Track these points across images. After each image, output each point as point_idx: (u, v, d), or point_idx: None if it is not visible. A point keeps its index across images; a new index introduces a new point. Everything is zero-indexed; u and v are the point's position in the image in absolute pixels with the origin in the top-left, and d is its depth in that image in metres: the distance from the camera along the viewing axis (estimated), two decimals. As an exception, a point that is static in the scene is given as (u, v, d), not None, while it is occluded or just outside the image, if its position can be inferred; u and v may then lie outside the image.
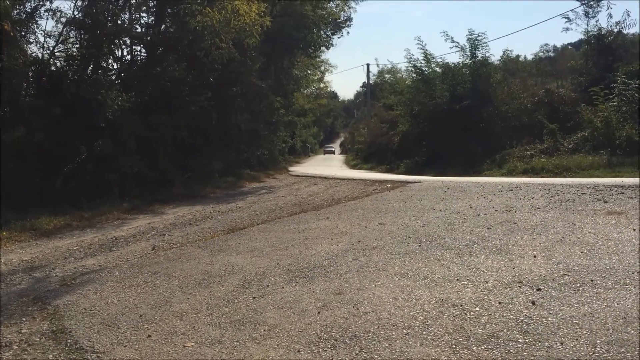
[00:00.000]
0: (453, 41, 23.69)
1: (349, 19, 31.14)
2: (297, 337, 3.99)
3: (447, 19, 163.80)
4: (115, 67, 17.00)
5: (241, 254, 6.90)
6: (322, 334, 3.99)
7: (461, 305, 4.29)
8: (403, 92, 27.67)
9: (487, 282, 4.81)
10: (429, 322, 4.03)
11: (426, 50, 24.88)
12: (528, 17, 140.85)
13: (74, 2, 14.82)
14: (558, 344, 3.48)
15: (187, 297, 5.20)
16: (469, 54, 23.10)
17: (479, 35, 22.90)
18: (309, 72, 39.13)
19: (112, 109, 13.48)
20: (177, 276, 6.01)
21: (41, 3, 13.98)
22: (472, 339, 3.67)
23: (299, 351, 3.74)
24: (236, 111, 19.61)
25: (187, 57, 17.21)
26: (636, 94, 16.07)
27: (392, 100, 33.68)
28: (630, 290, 4.29)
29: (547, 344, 3.49)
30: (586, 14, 23.61)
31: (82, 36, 15.10)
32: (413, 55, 25.68)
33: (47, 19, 14.89)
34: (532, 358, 3.34)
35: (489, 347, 3.53)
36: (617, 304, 4.04)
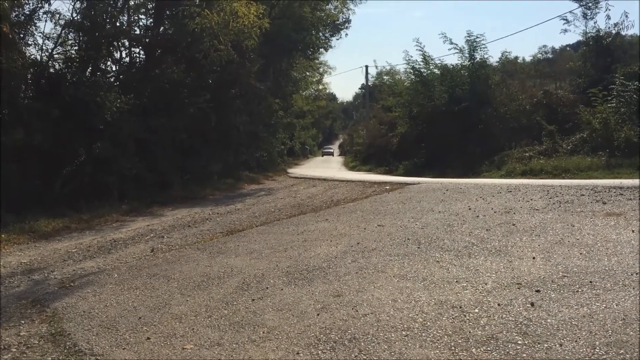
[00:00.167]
0: (451, 43, 23.75)
1: (348, 20, 31.23)
2: (296, 339, 3.99)
3: (446, 21, 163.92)
4: (113, 69, 17.03)
5: (240, 256, 6.90)
6: (321, 335, 3.98)
7: (460, 307, 4.29)
8: (402, 94, 27.68)
9: (486, 284, 4.81)
10: (428, 323, 4.03)
11: (425, 51, 24.93)
12: (526, 18, 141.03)
13: (73, 4, 14.85)
14: (557, 345, 3.48)
15: (186, 299, 5.20)
16: (467, 55, 23.14)
17: (477, 37, 22.95)
18: (308, 74, 39.21)
19: (111, 111, 13.49)
20: (176, 278, 6.01)
21: (40, 5, 14.01)
22: (471, 340, 3.67)
23: (298, 353, 3.74)
24: (235, 113, 19.61)
25: (186, 59, 17.23)
26: (634, 96, 16.08)
27: (390, 102, 33.70)
28: (629, 292, 4.29)
29: (546, 345, 3.50)
30: (584, 16, 23.66)
31: (81, 38, 15.11)
32: (412, 57, 25.79)
33: (46, 21, 14.89)
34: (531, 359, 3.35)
35: (488, 348, 3.53)
36: (616, 305, 4.05)
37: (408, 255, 6.06)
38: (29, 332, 4.60)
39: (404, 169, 24.14)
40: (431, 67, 24.91)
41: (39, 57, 14.30)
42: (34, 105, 12.80)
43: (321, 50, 31.24)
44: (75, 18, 14.81)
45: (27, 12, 13.85)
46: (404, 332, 3.91)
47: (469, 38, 22.96)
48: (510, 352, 3.45)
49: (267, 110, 23.85)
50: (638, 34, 28.43)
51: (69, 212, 11.42)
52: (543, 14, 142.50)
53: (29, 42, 14.24)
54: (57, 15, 14.79)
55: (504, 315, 4.04)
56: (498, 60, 29.17)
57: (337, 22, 30.31)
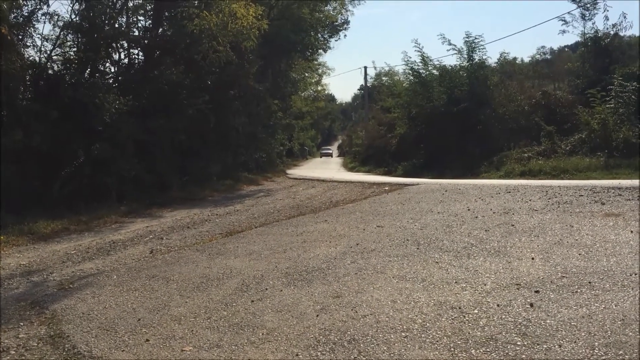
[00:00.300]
0: (450, 44, 23.75)
1: (346, 21, 31.18)
2: (296, 340, 3.99)
3: (445, 22, 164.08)
4: (112, 70, 17.03)
5: (239, 257, 6.90)
6: (321, 337, 3.99)
7: (459, 308, 4.29)
8: (400, 95, 27.68)
9: (485, 285, 4.81)
10: (428, 324, 4.03)
11: (423, 52, 24.93)
12: (524, 19, 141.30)
13: (71, 5, 14.87)
14: (556, 346, 3.49)
15: (185, 300, 5.20)
16: (466, 56, 23.14)
17: (476, 38, 22.95)
18: (307, 75, 39.19)
19: (110, 113, 13.48)
20: (175, 280, 6.00)
21: (38, 7, 14.01)
22: (470, 341, 3.67)
23: (297, 355, 3.74)
24: (234, 114, 19.60)
25: (185, 60, 17.22)
26: (633, 96, 16.10)
27: (389, 103, 33.69)
28: (628, 292, 4.30)
29: (545, 346, 3.50)
30: (583, 17, 23.69)
31: (80, 40, 15.10)
32: (410, 57, 25.51)
33: (45, 22, 14.92)
34: (530, 360, 3.35)
35: (488, 349, 3.53)
36: (615, 306, 4.05)
37: (407, 256, 6.06)
38: (28, 334, 4.59)
39: (403, 169, 24.13)
40: (430, 68, 24.93)
41: (37, 59, 14.33)
42: (32, 107, 12.79)
43: (320, 51, 31.22)
44: (74, 19, 14.82)
45: (26, 14, 13.86)
46: (403, 333, 3.91)
47: (467, 39, 22.99)
48: (510, 353, 3.45)
49: (266, 112, 23.86)
50: (636, 35, 28.47)
51: (67, 214, 11.40)
52: (541, 15, 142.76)
53: (28, 44, 14.29)
54: (56, 17, 14.83)
55: (503, 316, 4.05)
56: (496, 61, 29.23)
57: (336, 23, 30.29)
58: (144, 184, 14.41)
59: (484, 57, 23.24)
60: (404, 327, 4.03)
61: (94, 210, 11.88)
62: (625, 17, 24.02)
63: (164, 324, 4.56)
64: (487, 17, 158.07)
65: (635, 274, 4.69)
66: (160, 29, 17.86)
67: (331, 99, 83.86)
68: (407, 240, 6.91)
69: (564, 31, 26.73)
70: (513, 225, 7.12)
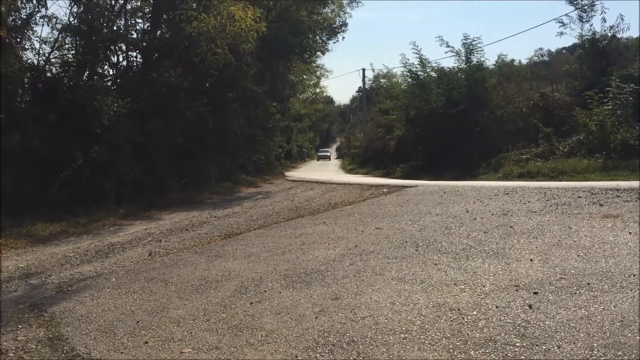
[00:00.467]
0: (448, 46, 23.75)
1: (345, 24, 31.24)
2: (295, 342, 3.99)
3: (443, 23, 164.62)
4: (111, 73, 17.03)
5: (238, 260, 6.89)
6: (320, 339, 3.98)
7: (458, 310, 4.29)
8: (399, 97, 27.68)
9: (484, 286, 4.82)
10: (427, 326, 4.03)
11: (421, 54, 24.92)
12: (522, 21, 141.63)
13: (70, 8, 14.88)
14: (555, 347, 3.49)
15: (184, 303, 5.19)
16: (464, 58, 23.15)
17: (473, 40, 22.96)
18: (305, 77, 39.22)
19: (108, 115, 13.48)
20: (174, 282, 6.00)
21: (37, 10, 14.00)
22: (469, 343, 3.67)
23: (296, 356, 3.74)
24: (232, 116, 19.62)
25: (183, 62, 17.23)
26: (630, 98, 16.13)
27: (387, 105, 33.70)
28: (627, 294, 4.30)
29: (544, 347, 3.50)
30: (580, 19, 23.67)
31: (78, 42, 15.11)
32: (408, 59, 25.53)
33: (43, 25, 14.95)
34: (529, 362, 3.35)
35: (487, 351, 3.53)
36: (614, 307, 4.06)
37: (406, 258, 6.07)
38: (27, 337, 4.59)
39: (402, 171, 24.15)
40: (428, 70, 24.94)
41: (35, 62, 14.31)
42: (30, 110, 12.79)
43: (318, 53, 31.26)
44: (72, 22, 14.82)
45: (24, 17, 13.85)
46: (402, 335, 3.91)
47: (465, 41, 23.01)
48: (509, 355, 3.45)
49: (265, 114, 23.87)
50: (634, 37, 28.45)
51: (66, 216, 11.40)
52: (539, 17, 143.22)
53: (26, 47, 14.26)
54: (54, 20, 14.84)
55: (502, 318, 4.05)
56: (494, 63, 29.24)
57: (334, 25, 30.34)
58: (143, 187, 14.40)
59: (482, 59, 23.26)
60: (403, 328, 4.03)
61: (93, 213, 11.88)
62: (622, 19, 24.05)
63: (162, 326, 4.56)
64: (485, 19, 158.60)
65: (634, 275, 4.70)
66: (159, 32, 17.87)
67: (329, 101, 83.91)
68: (406, 242, 6.91)
69: (561, 33, 26.63)
70: (512, 227, 7.12)
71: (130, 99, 14.63)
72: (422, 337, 3.85)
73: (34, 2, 13.78)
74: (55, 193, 12.53)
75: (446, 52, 23.89)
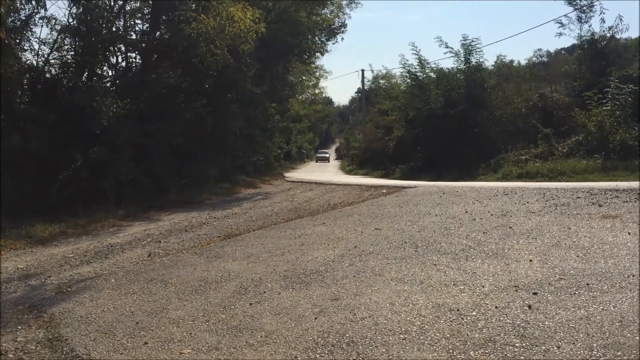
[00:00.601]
0: (447, 47, 23.77)
1: (344, 25, 31.20)
2: (294, 343, 3.99)
3: (442, 23, 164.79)
4: (110, 74, 16.99)
5: (237, 260, 6.89)
6: (319, 339, 3.99)
7: (458, 310, 4.30)
8: (398, 98, 27.71)
9: (483, 287, 4.82)
10: (426, 327, 4.03)
11: (420, 55, 24.97)
12: (521, 22, 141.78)
13: (69, 9, 14.86)
14: (555, 347, 3.49)
15: (184, 304, 5.19)
16: (463, 59, 23.18)
17: (472, 41, 23.00)
18: (304, 78, 39.25)
19: (107, 116, 13.46)
20: (173, 283, 6.00)
21: (36, 11, 13.97)
22: (469, 343, 3.68)
23: (296, 357, 3.74)
24: (231, 117, 19.61)
25: (182, 63, 17.22)
26: (629, 98, 16.16)
27: (387, 106, 33.72)
28: (626, 294, 4.31)
29: (544, 347, 3.50)
30: (579, 19, 23.71)
31: (77, 43, 15.09)
32: (407, 60, 25.55)
33: (42, 26, 14.92)
34: (529, 362, 3.35)
35: (486, 351, 3.54)
36: (613, 307, 4.06)
37: (405, 259, 6.07)
38: (26, 338, 4.58)
39: (401, 172, 24.16)
40: (427, 71, 24.96)
41: (35, 63, 14.29)
42: (30, 111, 12.78)
43: (317, 54, 31.25)
44: (71, 23, 14.80)
45: (23, 18, 13.82)
46: (401, 336, 3.91)
47: (464, 42, 23.04)
48: (508, 355, 3.45)
49: (264, 115, 23.86)
50: (633, 37, 28.50)
51: (65, 217, 11.38)
52: (538, 18, 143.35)
53: (25, 48, 14.22)
54: (53, 21, 14.79)
55: (502, 318, 4.05)
56: (493, 63, 29.24)
57: (333, 26, 30.32)
58: (142, 188, 14.39)
59: (481, 59, 23.30)
60: (403, 329, 4.03)
61: (92, 214, 11.87)
62: (621, 19, 24.15)
63: (162, 327, 4.56)
64: (484, 19, 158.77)
65: (633, 276, 4.70)
66: (158, 33, 17.85)
67: (329, 102, 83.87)
68: (405, 242, 6.91)
69: (560, 34, 26.68)
70: (511, 228, 7.13)
71: (129, 99, 14.62)
72: (421, 337, 3.85)
73: (33, 3, 13.75)
74: (54, 194, 12.51)
75: (445, 53, 23.92)
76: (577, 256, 5.48)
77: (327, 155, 66.23)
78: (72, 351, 4.19)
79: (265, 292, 5.32)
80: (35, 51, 14.47)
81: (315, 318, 4.44)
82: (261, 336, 4.17)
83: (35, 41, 14.58)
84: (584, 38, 23.60)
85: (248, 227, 9.76)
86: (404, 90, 27.03)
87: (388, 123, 31.67)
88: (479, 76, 22.86)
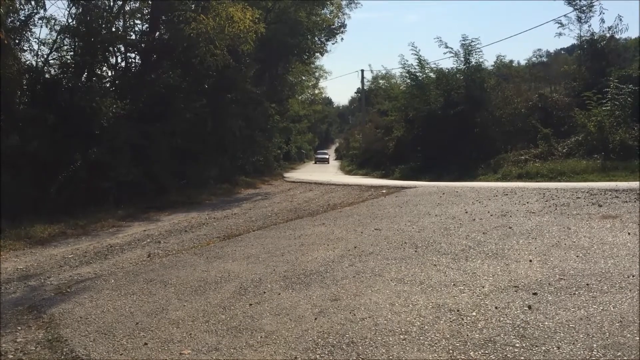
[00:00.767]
0: (447, 47, 23.79)
1: (343, 25, 31.25)
2: (294, 343, 3.98)
3: (442, 24, 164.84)
4: (109, 74, 17.00)
5: (237, 261, 6.89)
6: (319, 340, 3.98)
7: (458, 310, 4.29)
8: (397, 98, 27.74)
9: (483, 287, 4.82)
10: (426, 327, 4.03)
11: (420, 55, 24.99)
12: (521, 22, 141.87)
13: (68, 9, 14.86)
14: (555, 348, 3.49)
15: (183, 304, 5.19)
16: (462, 59, 23.19)
17: (472, 41, 23.01)
18: (304, 78, 39.31)
19: (107, 117, 13.47)
20: (173, 283, 5.99)
21: (35, 11, 13.99)
22: (469, 343, 3.67)
23: (296, 358, 3.74)
24: (231, 118, 19.61)
25: (182, 64, 17.24)
26: (629, 99, 16.17)
27: (386, 106, 33.78)
28: (626, 294, 4.30)
29: (544, 348, 3.50)
30: (579, 19, 23.70)
31: (77, 44, 15.09)
32: (407, 61, 25.71)
33: (41, 26, 14.99)
34: (529, 362, 3.35)
35: (486, 351, 3.53)
36: (613, 307, 4.06)
37: (405, 259, 6.07)
38: (26, 339, 4.58)
39: (401, 172, 24.17)
40: (427, 71, 24.99)
41: (34, 63, 14.32)
42: (29, 111, 12.79)
43: (317, 54, 31.32)
44: (71, 23, 14.81)
45: (23, 18, 13.84)
46: (401, 336, 3.91)
47: (464, 42, 23.06)
48: (508, 355, 3.45)
49: (263, 115, 23.87)
50: (632, 37, 28.47)
51: (65, 218, 11.37)
52: (537, 18, 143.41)
53: (25, 48, 14.25)
54: (53, 21, 14.84)
55: (502, 318, 4.05)
56: (493, 64, 29.31)
57: (333, 26, 30.36)
58: (142, 188, 14.39)
59: (481, 60, 23.32)
60: (403, 329, 4.03)
61: (91, 214, 11.86)
62: (621, 19, 24.14)
63: (162, 328, 4.55)
64: (484, 20, 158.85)
65: (633, 276, 4.70)
66: (157, 33, 17.85)
67: (328, 102, 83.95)
68: (405, 243, 6.91)
69: (560, 34, 26.62)
70: (511, 228, 7.13)
71: (129, 100, 14.62)
72: (421, 338, 3.85)
73: (33, 3, 13.76)
74: (54, 195, 12.50)
75: (445, 53, 23.94)
76: (577, 256, 5.48)
77: (327, 156, 63.12)
78: (72, 352, 4.19)
79: (265, 292, 5.31)
80: (35, 51, 14.51)
81: (315, 318, 4.43)
82: (261, 337, 4.17)
83: (35, 41, 14.62)
84: (583, 38, 23.60)
85: (248, 228, 9.75)
86: (404, 91, 27.06)
87: (388, 123, 31.71)
88: (479, 76, 22.87)
